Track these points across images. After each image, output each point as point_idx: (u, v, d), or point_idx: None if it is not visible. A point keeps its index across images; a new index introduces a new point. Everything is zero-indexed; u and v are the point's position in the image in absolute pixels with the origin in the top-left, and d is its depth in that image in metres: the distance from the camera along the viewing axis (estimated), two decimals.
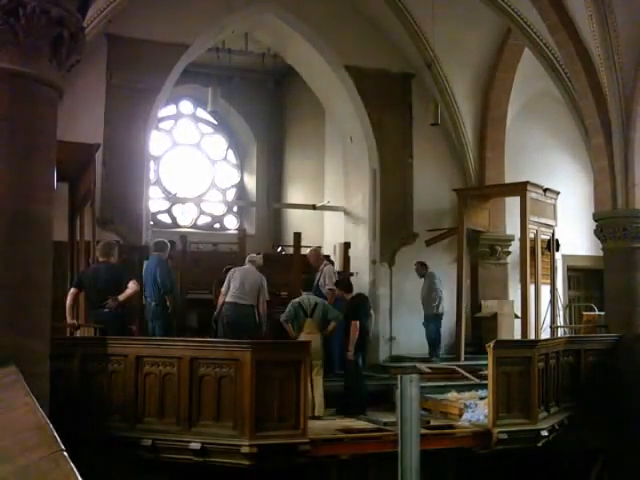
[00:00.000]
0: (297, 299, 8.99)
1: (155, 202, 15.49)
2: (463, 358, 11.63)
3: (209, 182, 17.29)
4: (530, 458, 10.48)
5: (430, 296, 11.68)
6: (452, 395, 9.11)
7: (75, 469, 2.75)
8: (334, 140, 14.58)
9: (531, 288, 11.45)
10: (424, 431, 7.71)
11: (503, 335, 11.76)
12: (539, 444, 8.05)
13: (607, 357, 9.71)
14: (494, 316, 12.29)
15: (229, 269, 9.73)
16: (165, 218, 16.68)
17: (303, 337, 8.48)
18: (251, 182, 17.44)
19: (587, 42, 9.80)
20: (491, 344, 7.94)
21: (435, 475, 7.88)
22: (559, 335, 11.44)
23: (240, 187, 17.73)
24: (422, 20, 11.84)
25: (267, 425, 6.88)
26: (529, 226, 11.35)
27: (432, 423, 8.22)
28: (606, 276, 10.58)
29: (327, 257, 11.75)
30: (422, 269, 11.89)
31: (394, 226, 12.56)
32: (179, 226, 16.58)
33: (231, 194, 17.67)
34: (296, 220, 16.49)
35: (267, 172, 16.84)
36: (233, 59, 14.33)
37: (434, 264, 12.44)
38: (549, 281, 11.97)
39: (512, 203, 12.36)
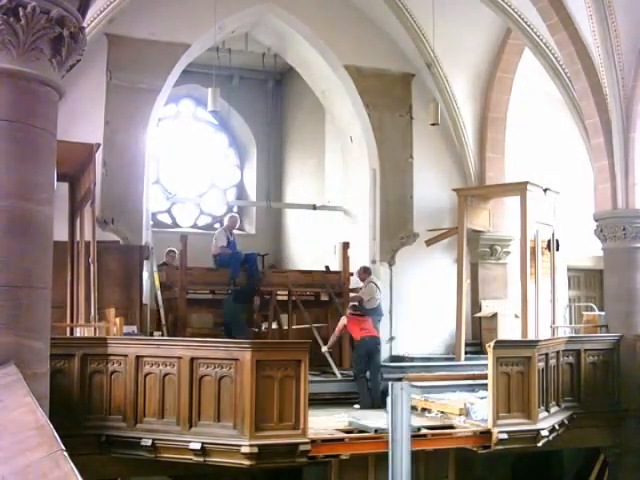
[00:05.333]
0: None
1: (155, 202, 15.48)
2: (463, 358, 11.62)
3: (209, 182, 17.29)
4: (530, 458, 10.51)
5: None
6: (452, 395, 9.12)
7: (75, 469, 2.75)
8: (334, 140, 14.57)
9: (531, 288, 11.45)
10: (425, 431, 7.73)
11: (503, 335, 11.76)
12: (539, 444, 8.05)
13: (607, 357, 9.72)
14: (494, 316, 12.29)
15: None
16: (165, 218, 16.68)
17: None
18: (251, 182, 17.43)
19: (587, 42, 9.80)
20: (491, 344, 7.94)
21: (435, 475, 7.90)
22: (559, 335, 11.44)
23: (240, 187, 17.72)
24: (422, 20, 11.83)
25: (267, 425, 6.89)
26: (529, 226, 11.35)
27: (431, 423, 8.22)
28: (606, 276, 10.59)
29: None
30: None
31: (394, 226, 12.56)
32: (179, 226, 16.59)
33: (231, 194, 17.67)
34: (296, 220, 16.49)
35: (267, 172, 16.84)
36: (233, 59, 14.33)
37: (434, 264, 12.46)
38: (549, 281, 11.96)
39: (512, 203, 12.35)
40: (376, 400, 9.48)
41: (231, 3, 11.31)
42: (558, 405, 8.89)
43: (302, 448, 6.92)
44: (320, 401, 9.16)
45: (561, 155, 13.32)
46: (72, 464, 2.79)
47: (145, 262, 10.61)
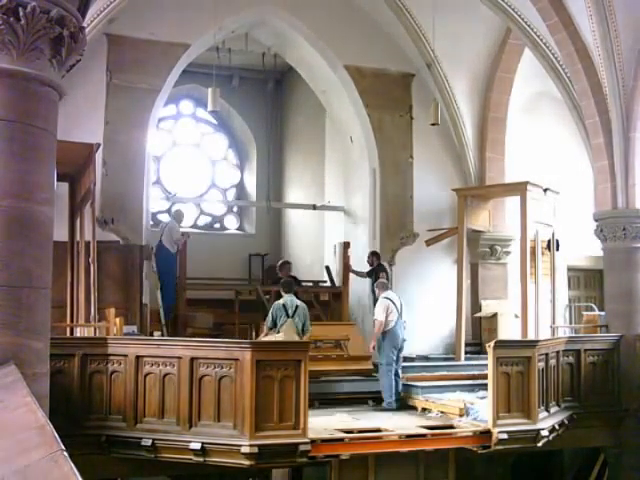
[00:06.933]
0: (280, 301, 9.11)
1: (155, 202, 15.47)
2: (463, 358, 11.62)
3: (209, 182, 17.29)
4: (530, 458, 10.51)
5: None
6: (452, 395, 9.11)
7: (75, 469, 2.75)
8: (334, 140, 14.58)
9: (531, 288, 11.45)
10: (424, 431, 7.73)
11: (503, 335, 11.76)
12: (539, 444, 8.05)
13: (607, 357, 9.72)
14: (494, 316, 12.29)
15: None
16: (165, 218, 16.66)
17: (281, 337, 8.54)
18: (251, 182, 17.43)
19: (587, 42, 9.80)
20: (491, 344, 7.94)
21: (435, 475, 7.90)
22: (559, 335, 11.44)
23: (240, 187, 17.72)
24: (422, 20, 11.83)
25: (267, 425, 6.89)
26: (529, 226, 11.35)
27: (431, 423, 8.22)
28: (606, 276, 10.59)
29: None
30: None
31: (394, 226, 12.55)
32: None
33: (231, 194, 17.67)
34: (296, 220, 16.49)
35: (267, 172, 16.84)
36: (233, 59, 14.34)
37: (434, 264, 12.45)
38: (549, 281, 11.96)
39: (512, 203, 12.35)
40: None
41: (231, 3, 11.32)
42: (558, 405, 8.89)
43: (302, 448, 6.91)
44: (320, 401, 9.16)
45: (561, 155, 13.31)
46: (72, 464, 2.79)
47: (145, 262, 10.62)
